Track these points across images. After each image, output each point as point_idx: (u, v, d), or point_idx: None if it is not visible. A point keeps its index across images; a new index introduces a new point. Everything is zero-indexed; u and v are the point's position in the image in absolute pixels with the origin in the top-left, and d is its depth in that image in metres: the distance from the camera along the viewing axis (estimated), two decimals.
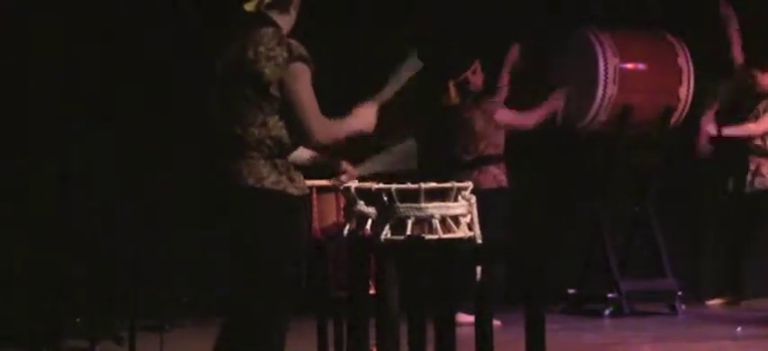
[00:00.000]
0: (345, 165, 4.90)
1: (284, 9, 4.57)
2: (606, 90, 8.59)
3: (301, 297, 4.79)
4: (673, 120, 8.87)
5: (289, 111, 4.41)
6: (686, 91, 8.82)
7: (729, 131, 8.80)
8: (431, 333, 4.50)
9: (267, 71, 4.39)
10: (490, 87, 8.51)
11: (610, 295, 8.71)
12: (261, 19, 4.51)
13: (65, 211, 8.35)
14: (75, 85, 8.55)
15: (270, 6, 4.53)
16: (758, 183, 8.90)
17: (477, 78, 8.46)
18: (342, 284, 5.70)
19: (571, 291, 9.06)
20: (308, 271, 5.51)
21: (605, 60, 8.57)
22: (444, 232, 5.87)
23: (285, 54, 4.40)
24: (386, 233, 5.73)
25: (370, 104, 4.78)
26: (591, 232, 9.08)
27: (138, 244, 8.36)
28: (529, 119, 8.58)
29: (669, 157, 9.22)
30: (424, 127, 8.41)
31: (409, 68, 5.13)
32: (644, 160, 9.12)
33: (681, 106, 8.84)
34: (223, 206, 4.47)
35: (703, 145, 8.83)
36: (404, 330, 4.89)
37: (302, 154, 4.71)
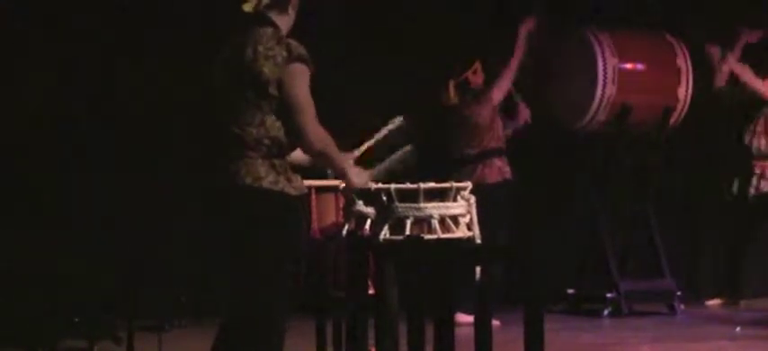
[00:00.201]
0: (352, 166, 4.82)
1: (283, 9, 4.56)
2: (605, 90, 8.59)
3: (300, 297, 4.79)
4: (672, 120, 8.88)
5: (286, 111, 4.40)
6: (685, 91, 8.82)
7: (745, 73, 8.78)
8: (430, 333, 4.50)
9: (266, 70, 4.39)
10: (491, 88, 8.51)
11: (609, 295, 8.71)
12: (260, 19, 4.51)
13: (65, 212, 8.35)
14: (74, 85, 8.55)
15: (268, 6, 4.53)
16: (764, 186, 8.91)
17: (477, 78, 8.46)
18: (341, 284, 5.70)
19: (570, 291, 9.07)
20: (307, 271, 5.51)
21: (604, 60, 8.57)
22: (443, 232, 5.88)
23: (284, 54, 4.40)
24: (385, 233, 5.74)
25: (366, 172, 4.76)
26: (590, 232, 9.08)
27: (137, 244, 8.37)
28: (512, 64, 8.49)
29: (669, 157, 9.23)
30: (424, 127, 8.42)
31: (398, 158, 5.20)
32: (643, 160, 9.12)
33: (680, 106, 8.85)
34: (221, 206, 4.47)
35: (720, 86, 8.83)
36: (403, 330, 4.88)
37: (301, 155, 4.71)
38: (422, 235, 5.73)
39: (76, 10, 8.50)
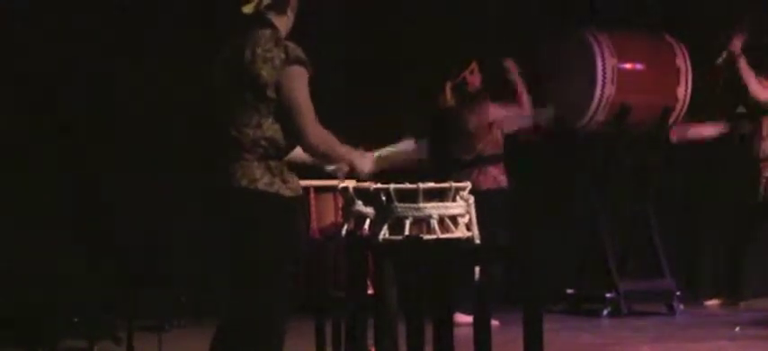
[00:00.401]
0: (356, 153, 4.80)
1: (281, 11, 4.57)
2: (604, 90, 8.60)
3: (299, 297, 4.80)
4: (671, 120, 8.88)
5: (285, 113, 4.41)
6: (684, 91, 8.83)
7: (745, 67, 8.79)
8: (429, 333, 4.50)
9: (264, 73, 4.39)
10: (489, 88, 8.51)
11: (608, 295, 8.72)
12: (259, 20, 4.51)
13: (65, 212, 8.36)
14: (74, 85, 8.56)
15: (268, 8, 4.53)
16: None
17: (474, 79, 8.46)
18: (340, 284, 5.71)
19: (569, 291, 9.07)
20: (306, 271, 5.52)
21: (603, 60, 8.58)
22: (442, 232, 5.87)
23: (282, 56, 4.40)
24: (384, 233, 5.73)
25: (369, 154, 4.77)
26: (589, 232, 9.08)
27: (137, 244, 8.38)
28: (522, 110, 8.51)
29: (669, 157, 9.23)
30: (422, 128, 8.43)
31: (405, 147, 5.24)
32: (643, 160, 9.12)
33: (679, 106, 8.85)
34: (220, 207, 4.48)
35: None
36: (402, 330, 4.89)
37: (302, 152, 4.71)
38: (421, 235, 5.73)
39: (76, 10, 8.50)
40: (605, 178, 9.08)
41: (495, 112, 8.41)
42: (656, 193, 9.24)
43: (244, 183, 4.40)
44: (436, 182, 6.00)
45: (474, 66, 8.46)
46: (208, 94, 4.58)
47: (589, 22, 8.92)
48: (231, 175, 4.41)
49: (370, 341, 5.37)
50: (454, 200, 6.01)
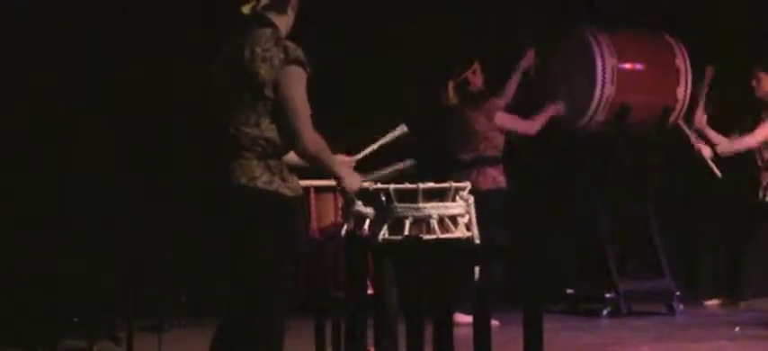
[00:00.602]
0: (346, 169, 4.80)
1: (282, 10, 4.56)
2: (604, 90, 8.60)
3: (299, 297, 4.80)
4: (671, 120, 8.88)
5: (281, 113, 4.40)
6: (684, 91, 8.83)
7: (726, 150, 8.78)
8: (429, 333, 4.50)
9: (262, 72, 4.39)
10: (490, 88, 8.51)
11: (608, 295, 8.72)
12: (259, 20, 4.51)
13: (65, 212, 8.36)
14: (74, 85, 8.56)
15: (267, 7, 4.53)
16: None
17: (476, 79, 8.46)
18: (340, 284, 5.71)
19: (569, 291, 9.07)
20: (306, 271, 5.52)
21: (603, 60, 8.58)
22: (442, 232, 5.89)
23: (281, 56, 4.40)
24: (384, 233, 5.74)
25: (358, 176, 4.76)
26: (589, 232, 9.08)
27: (137, 244, 8.38)
28: (531, 127, 8.56)
29: (668, 156, 9.23)
30: (423, 126, 8.44)
31: (398, 169, 5.29)
32: (643, 160, 9.12)
33: (679, 106, 8.85)
34: (219, 205, 4.48)
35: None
36: (402, 330, 4.89)
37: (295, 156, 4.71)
38: (421, 235, 5.74)
39: (76, 10, 8.50)
40: (605, 178, 9.08)
41: (502, 119, 8.40)
42: (656, 193, 9.24)
43: (243, 181, 4.40)
44: (436, 182, 6.01)
45: (476, 66, 8.46)
46: (207, 94, 4.58)
47: (589, 21, 8.91)
48: (230, 173, 4.41)
49: (370, 341, 5.37)
50: (454, 200, 6.02)
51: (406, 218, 5.82)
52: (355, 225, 5.81)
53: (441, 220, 5.89)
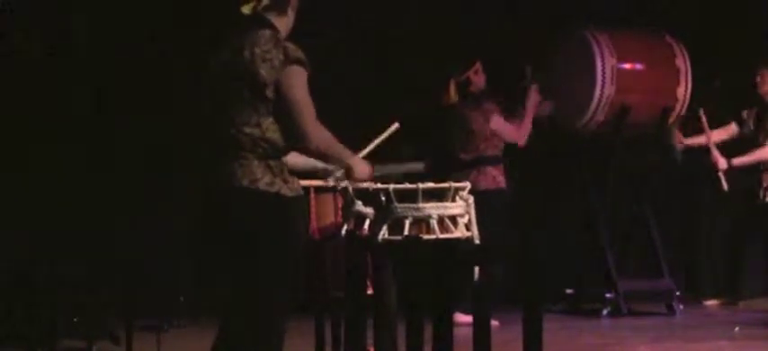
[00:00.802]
0: (356, 159, 4.80)
1: (282, 11, 4.56)
2: (604, 90, 8.60)
3: (299, 297, 4.79)
4: (671, 120, 8.88)
5: (286, 113, 4.40)
6: (684, 91, 8.83)
7: (741, 162, 8.83)
8: (429, 333, 4.50)
9: (263, 73, 4.38)
10: (492, 88, 8.51)
11: (608, 295, 8.72)
12: (259, 21, 4.51)
13: (65, 211, 8.36)
14: (74, 85, 8.56)
15: (267, 8, 4.52)
16: None
17: (478, 78, 8.46)
18: (339, 284, 5.71)
19: (569, 291, 9.07)
20: (306, 271, 5.52)
21: (603, 60, 8.58)
22: (442, 232, 5.88)
23: (281, 57, 4.40)
24: (383, 233, 5.74)
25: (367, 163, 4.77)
26: (589, 232, 9.08)
27: (136, 244, 8.38)
28: (518, 134, 8.45)
29: (668, 157, 9.23)
30: (425, 125, 8.44)
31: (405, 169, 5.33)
32: (643, 160, 9.12)
33: (678, 106, 8.85)
34: (220, 206, 4.47)
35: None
36: (401, 330, 4.89)
37: (297, 160, 4.71)
38: (420, 235, 5.74)
39: (77, 10, 8.51)
40: (605, 178, 9.08)
41: (497, 123, 8.38)
42: (656, 194, 9.23)
43: (245, 182, 4.40)
44: (435, 182, 6.00)
45: (478, 65, 8.45)
46: (207, 94, 4.57)
47: (589, 21, 8.91)
48: (231, 174, 4.41)
49: (370, 341, 5.37)
50: (453, 200, 6.02)
51: (406, 218, 5.82)
52: (355, 225, 5.81)
53: (440, 220, 5.89)
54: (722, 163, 8.78)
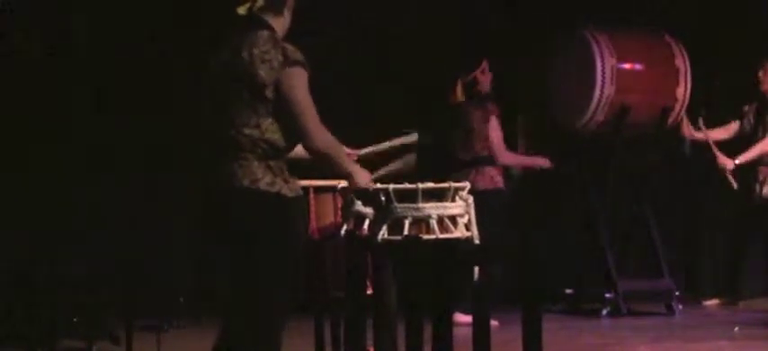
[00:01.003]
0: (356, 167, 4.81)
1: (278, 11, 4.55)
2: (603, 90, 8.60)
3: (299, 297, 4.80)
4: (670, 120, 8.88)
5: (287, 114, 4.40)
6: (684, 91, 8.83)
7: (744, 158, 8.85)
8: (428, 333, 4.50)
9: (262, 73, 4.38)
10: (495, 89, 8.51)
11: (607, 295, 8.72)
12: (256, 21, 4.50)
13: (65, 211, 8.36)
14: (74, 85, 8.56)
15: (263, 9, 4.52)
16: (766, 192, 8.94)
17: (485, 78, 8.46)
18: (339, 284, 5.71)
19: (569, 291, 9.07)
20: (306, 271, 5.52)
21: (602, 60, 8.58)
22: (442, 232, 5.88)
23: (280, 58, 4.39)
24: (383, 233, 5.74)
25: (367, 173, 4.78)
26: (589, 232, 9.08)
27: (137, 244, 8.38)
28: (502, 156, 8.44)
29: (668, 156, 9.23)
30: (429, 123, 8.44)
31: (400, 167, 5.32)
32: (643, 160, 9.12)
33: (678, 106, 8.85)
34: (220, 207, 4.47)
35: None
36: (401, 330, 4.89)
37: (303, 149, 4.70)
38: (420, 235, 5.73)
39: (77, 10, 8.51)
40: (605, 178, 9.08)
41: (493, 128, 8.37)
42: (657, 193, 9.23)
43: (245, 183, 4.39)
44: (435, 182, 6.00)
45: (485, 65, 8.45)
46: (207, 95, 4.57)
47: (588, 21, 8.91)
48: (232, 174, 4.40)
49: (370, 341, 5.37)
50: (453, 200, 6.01)
51: (406, 218, 5.82)
52: (354, 225, 5.80)
53: (440, 221, 5.88)
54: (729, 163, 8.79)
